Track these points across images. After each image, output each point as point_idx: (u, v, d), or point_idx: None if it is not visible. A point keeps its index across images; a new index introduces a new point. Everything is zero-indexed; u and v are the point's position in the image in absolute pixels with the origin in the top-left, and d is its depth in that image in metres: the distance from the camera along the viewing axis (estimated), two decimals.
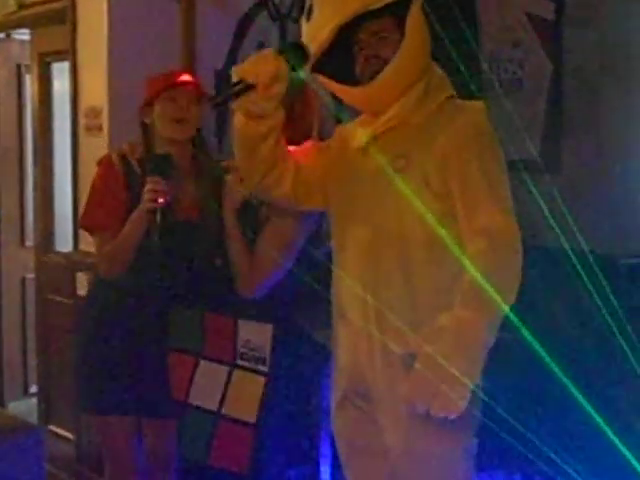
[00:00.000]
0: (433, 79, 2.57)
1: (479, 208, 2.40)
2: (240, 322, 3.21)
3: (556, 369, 2.40)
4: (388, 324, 2.46)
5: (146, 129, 3.37)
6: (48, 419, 5.21)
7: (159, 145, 3.34)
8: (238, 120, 2.57)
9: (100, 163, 3.45)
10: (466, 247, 2.39)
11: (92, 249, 4.25)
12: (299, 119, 2.94)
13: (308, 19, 2.52)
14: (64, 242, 5.09)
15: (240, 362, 3.21)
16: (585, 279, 2.80)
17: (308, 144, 2.74)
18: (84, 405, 3.58)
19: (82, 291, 4.48)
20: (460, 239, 2.41)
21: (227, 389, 3.22)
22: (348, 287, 2.55)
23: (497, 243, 2.38)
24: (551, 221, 3.04)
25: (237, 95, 2.46)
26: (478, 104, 2.55)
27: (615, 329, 2.69)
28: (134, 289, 3.35)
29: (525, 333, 2.34)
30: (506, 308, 2.36)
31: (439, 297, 2.44)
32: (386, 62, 2.49)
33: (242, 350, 3.20)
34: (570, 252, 2.80)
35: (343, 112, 2.77)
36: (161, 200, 3.15)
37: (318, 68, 2.57)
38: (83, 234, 4.63)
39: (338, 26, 2.44)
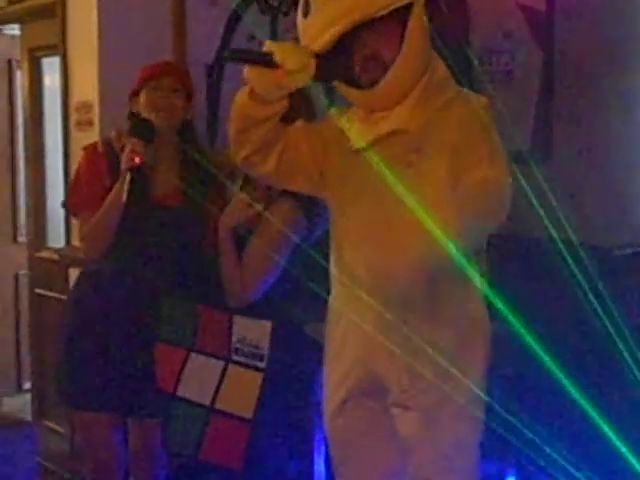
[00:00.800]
0: (435, 76, 2.53)
1: (477, 161, 2.36)
2: (236, 317, 3.21)
3: (547, 360, 2.41)
4: (407, 309, 2.45)
5: (132, 117, 3.42)
6: (42, 415, 5.21)
7: None
8: (241, 98, 2.50)
9: (85, 149, 3.51)
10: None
11: None
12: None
13: (305, 15, 2.48)
14: (56, 238, 5.08)
15: (235, 357, 3.21)
16: (577, 270, 2.80)
17: (297, 124, 2.68)
18: (66, 401, 3.58)
19: None
20: None
21: (221, 384, 3.22)
22: (363, 275, 2.52)
23: (490, 193, 2.35)
24: (543, 212, 3.04)
25: (257, 62, 2.37)
26: (483, 99, 2.52)
27: (607, 320, 2.69)
28: (118, 282, 3.36)
29: (516, 324, 2.34)
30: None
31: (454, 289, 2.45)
32: (385, 64, 2.45)
33: (237, 346, 3.20)
34: (562, 243, 2.79)
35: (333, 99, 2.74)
36: (137, 160, 3.19)
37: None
38: (76, 229, 4.63)
39: (340, 33, 2.39)
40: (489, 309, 2.54)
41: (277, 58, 2.35)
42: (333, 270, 2.63)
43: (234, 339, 3.20)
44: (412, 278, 2.44)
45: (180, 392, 3.27)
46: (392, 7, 2.40)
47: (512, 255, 3.81)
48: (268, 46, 2.39)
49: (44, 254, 5.20)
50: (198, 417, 3.23)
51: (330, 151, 2.63)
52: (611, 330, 2.63)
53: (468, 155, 2.36)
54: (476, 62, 4.53)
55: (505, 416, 2.45)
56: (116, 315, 3.36)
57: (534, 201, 2.92)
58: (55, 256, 4.87)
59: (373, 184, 2.49)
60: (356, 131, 2.55)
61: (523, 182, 3.08)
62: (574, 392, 2.41)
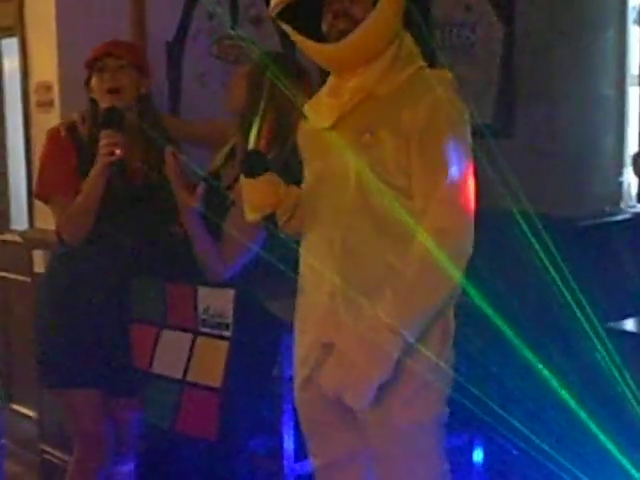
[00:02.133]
0: (403, 48, 2.50)
1: (437, 203, 2.38)
2: (200, 289, 3.22)
3: (512, 333, 2.42)
4: (352, 300, 2.46)
5: (92, 104, 3.41)
6: (10, 398, 5.18)
7: None
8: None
9: (48, 133, 3.48)
10: (416, 237, 2.39)
11: (48, 226, 4.22)
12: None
13: None
14: (20, 220, 5.04)
15: (202, 329, 3.22)
16: (539, 243, 2.81)
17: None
18: (49, 381, 3.57)
19: (39, 269, 4.45)
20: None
21: (191, 356, 3.24)
22: (314, 261, 2.54)
23: (447, 245, 2.36)
24: (506, 185, 3.06)
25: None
26: (444, 75, 2.49)
27: (569, 291, 2.71)
28: (91, 262, 3.36)
29: (479, 298, 2.35)
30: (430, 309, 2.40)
31: (388, 273, 2.44)
32: (355, 21, 2.42)
33: (203, 317, 3.21)
34: (523, 216, 2.81)
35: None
36: (118, 152, 3.20)
37: (284, 17, 2.51)
38: (39, 211, 4.60)
39: None
40: None
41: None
42: (302, 249, 2.65)
43: (200, 310, 3.22)
44: (370, 259, 2.45)
45: (155, 369, 3.29)
46: None
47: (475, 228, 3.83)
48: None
49: (7, 237, 5.16)
50: (172, 391, 3.25)
51: (306, 144, 2.68)
52: (572, 302, 2.66)
53: (430, 156, 2.39)
54: (437, 34, 4.53)
55: (471, 390, 2.46)
56: (92, 295, 3.37)
57: (496, 174, 2.93)
58: (18, 239, 4.84)
59: (330, 165, 2.51)
60: (321, 108, 2.55)
61: (486, 154, 3.09)
62: (537, 364, 2.43)
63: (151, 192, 3.37)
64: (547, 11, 4.21)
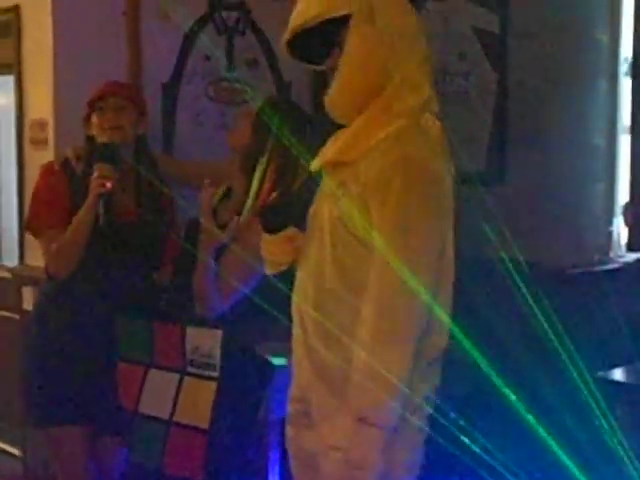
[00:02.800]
0: (394, 105, 2.35)
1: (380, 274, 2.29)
2: (188, 329, 3.22)
3: (498, 380, 2.42)
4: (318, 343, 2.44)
5: (89, 142, 3.44)
6: None
7: None
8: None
9: (42, 168, 3.52)
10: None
11: (39, 263, 4.22)
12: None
13: None
14: (10, 256, 5.04)
15: (190, 369, 3.21)
16: (529, 290, 2.82)
17: None
18: (35, 419, 3.55)
19: (28, 306, 4.44)
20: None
21: (178, 396, 3.23)
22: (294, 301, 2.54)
23: (384, 333, 2.28)
24: (496, 233, 3.07)
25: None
26: (437, 124, 2.37)
27: (558, 340, 2.72)
28: (78, 299, 3.37)
29: (467, 344, 2.35)
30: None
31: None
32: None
33: (191, 357, 3.21)
34: (513, 264, 2.82)
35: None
36: (108, 185, 3.23)
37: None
38: (29, 248, 4.60)
39: (288, 42, 2.43)
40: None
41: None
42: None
43: (188, 350, 3.21)
44: (335, 313, 2.42)
45: (142, 409, 3.28)
46: (323, 17, 2.36)
47: (464, 275, 3.83)
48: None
49: None
50: (159, 431, 3.23)
51: None
52: (561, 349, 2.66)
53: (388, 213, 2.28)
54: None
55: (456, 435, 2.45)
56: (78, 333, 3.37)
57: (488, 222, 2.94)
58: (8, 275, 4.83)
59: (318, 208, 2.52)
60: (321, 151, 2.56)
61: (478, 202, 3.11)
62: (524, 412, 2.42)
63: (140, 231, 3.40)
64: (540, 61, 4.26)
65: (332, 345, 2.39)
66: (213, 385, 3.17)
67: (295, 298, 2.52)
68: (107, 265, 3.37)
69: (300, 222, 2.60)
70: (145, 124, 3.51)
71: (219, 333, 3.16)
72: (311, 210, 2.57)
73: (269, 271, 2.66)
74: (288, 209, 2.61)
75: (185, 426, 3.19)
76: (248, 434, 3.27)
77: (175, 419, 3.22)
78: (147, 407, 3.28)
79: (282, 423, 2.76)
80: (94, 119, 3.41)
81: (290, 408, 2.64)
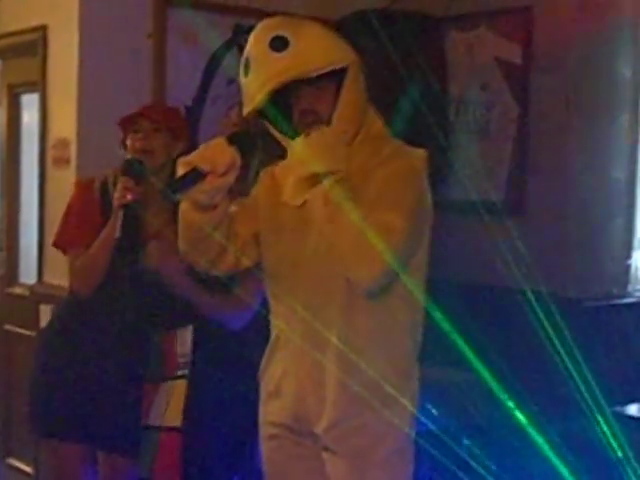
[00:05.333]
0: (371, 132, 2.56)
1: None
2: (179, 332, 3.24)
3: (518, 410, 2.42)
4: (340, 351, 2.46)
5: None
6: (7, 453, 5.15)
7: None
8: (187, 214, 2.52)
9: (79, 185, 3.53)
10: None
11: (57, 281, 4.24)
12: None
13: (246, 74, 2.52)
14: (28, 274, 5.06)
15: (179, 372, 3.24)
16: (548, 321, 2.82)
17: (235, 209, 2.64)
18: (38, 428, 3.54)
19: (45, 323, 4.45)
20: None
21: (169, 402, 3.25)
22: (299, 322, 2.53)
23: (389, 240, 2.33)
24: (516, 262, 3.07)
25: (193, 183, 2.40)
26: (420, 152, 2.53)
27: (576, 370, 2.71)
28: (104, 315, 3.37)
29: (486, 374, 2.35)
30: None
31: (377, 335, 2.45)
32: (320, 117, 2.48)
33: (180, 360, 3.24)
34: (533, 294, 2.82)
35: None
36: (129, 197, 3.23)
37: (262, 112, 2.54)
38: (48, 266, 4.62)
39: (272, 90, 2.43)
40: (461, 359, 2.54)
41: (206, 168, 2.40)
42: (271, 317, 2.66)
43: (178, 354, 3.24)
44: (348, 328, 2.46)
45: (147, 421, 3.30)
46: (326, 69, 2.45)
47: (483, 305, 3.83)
48: (187, 162, 2.42)
49: (15, 290, 5.18)
50: (153, 439, 3.26)
51: (263, 207, 2.65)
52: (579, 383, 2.65)
53: (384, 199, 2.39)
54: (452, 110, 4.58)
55: (474, 464, 2.45)
56: (95, 348, 3.36)
57: (507, 251, 2.95)
58: (26, 292, 4.85)
59: (308, 237, 2.52)
60: (292, 184, 2.57)
61: (497, 233, 3.11)
62: (541, 443, 2.42)
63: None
64: (561, 93, 4.27)
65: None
66: (184, 383, 3.21)
67: (304, 327, 2.52)
68: (135, 284, 3.35)
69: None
70: (181, 147, 3.43)
71: (189, 329, 3.19)
72: (292, 239, 2.57)
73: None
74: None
75: (167, 428, 3.23)
76: (232, 434, 3.23)
77: (164, 424, 3.25)
78: (152, 418, 3.30)
79: None
80: (128, 141, 3.41)
81: (273, 432, 2.63)
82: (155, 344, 3.34)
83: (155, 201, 3.35)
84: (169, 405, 3.25)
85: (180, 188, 2.44)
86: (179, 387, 3.23)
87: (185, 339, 3.22)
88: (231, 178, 2.44)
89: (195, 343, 3.20)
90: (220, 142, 2.45)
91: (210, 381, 3.17)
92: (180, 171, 2.43)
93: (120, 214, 3.24)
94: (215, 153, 2.43)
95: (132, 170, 3.30)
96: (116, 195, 3.26)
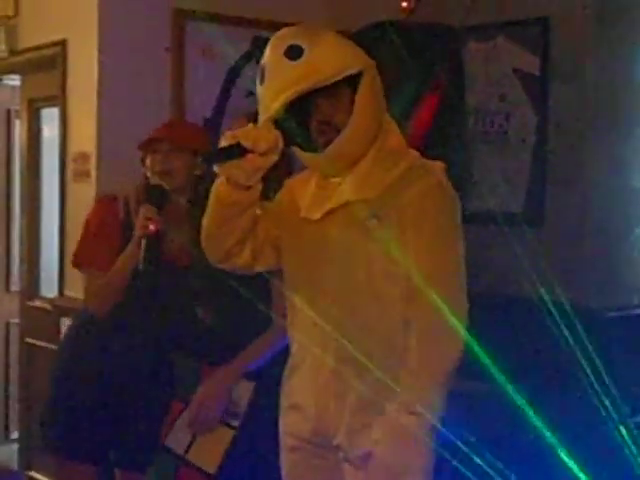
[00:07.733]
0: (387, 145, 2.55)
1: (435, 286, 2.39)
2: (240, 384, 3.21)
3: (537, 421, 2.41)
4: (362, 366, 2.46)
5: (146, 183, 3.40)
6: (29, 465, 5.17)
7: None
8: (221, 190, 2.51)
9: (100, 202, 3.51)
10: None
11: (78, 295, 4.26)
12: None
13: (261, 82, 2.52)
14: (50, 287, 5.08)
15: (226, 418, 3.21)
16: (569, 332, 2.81)
17: (259, 211, 2.65)
18: (50, 446, 3.54)
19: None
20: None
21: (195, 436, 3.22)
22: (318, 333, 2.53)
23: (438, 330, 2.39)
24: (535, 273, 3.06)
25: (231, 156, 2.40)
26: (439, 165, 2.54)
27: (597, 381, 2.70)
28: (124, 336, 3.36)
29: (504, 385, 2.35)
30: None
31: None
32: (338, 129, 2.48)
33: (230, 407, 3.20)
34: (553, 305, 2.81)
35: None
36: (152, 227, 3.21)
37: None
38: (69, 280, 4.64)
39: (288, 100, 2.42)
40: (481, 370, 2.54)
41: (247, 145, 2.39)
42: (289, 329, 2.66)
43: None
44: (366, 339, 2.46)
45: (166, 442, 3.27)
46: (341, 75, 2.44)
47: (503, 315, 3.82)
48: (231, 137, 2.41)
49: (36, 303, 5.20)
50: (171, 465, 3.23)
51: (284, 220, 2.66)
52: (600, 391, 2.64)
53: (426, 239, 2.43)
54: (471, 120, 4.58)
55: (491, 475, 2.44)
56: (114, 368, 3.35)
57: (526, 262, 2.94)
58: (47, 306, 4.87)
59: (328, 251, 2.52)
60: (310, 199, 2.58)
61: (516, 243, 3.11)
62: (560, 454, 2.41)
63: (185, 271, 3.33)
64: (580, 104, 4.26)
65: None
66: (230, 433, 3.17)
67: (325, 340, 2.52)
68: (154, 306, 3.35)
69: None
70: (203, 166, 3.31)
71: (251, 386, 3.16)
72: (309, 253, 2.57)
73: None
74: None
75: (194, 467, 3.18)
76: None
77: (188, 457, 3.21)
78: (171, 441, 3.27)
79: None
80: (147, 161, 3.37)
81: (292, 444, 2.63)
82: (189, 368, 3.31)
83: (178, 219, 3.33)
84: (196, 441, 3.21)
85: (218, 159, 2.45)
86: (219, 433, 3.19)
87: (243, 391, 3.21)
88: (271, 160, 2.43)
89: (253, 400, 3.17)
90: (267, 124, 2.45)
91: (263, 439, 3.11)
92: (223, 143, 2.42)
93: (143, 243, 3.23)
94: (260, 133, 2.42)
95: (154, 198, 3.28)
96: (138, 224, 3.23)
